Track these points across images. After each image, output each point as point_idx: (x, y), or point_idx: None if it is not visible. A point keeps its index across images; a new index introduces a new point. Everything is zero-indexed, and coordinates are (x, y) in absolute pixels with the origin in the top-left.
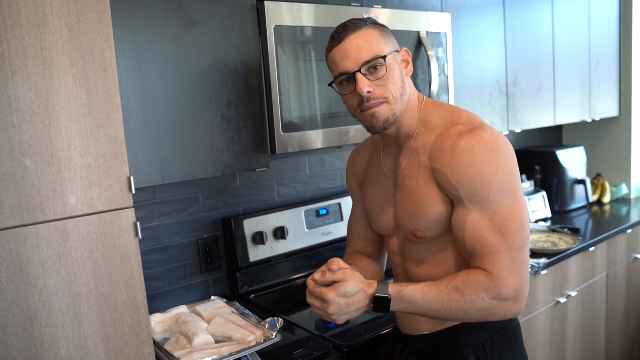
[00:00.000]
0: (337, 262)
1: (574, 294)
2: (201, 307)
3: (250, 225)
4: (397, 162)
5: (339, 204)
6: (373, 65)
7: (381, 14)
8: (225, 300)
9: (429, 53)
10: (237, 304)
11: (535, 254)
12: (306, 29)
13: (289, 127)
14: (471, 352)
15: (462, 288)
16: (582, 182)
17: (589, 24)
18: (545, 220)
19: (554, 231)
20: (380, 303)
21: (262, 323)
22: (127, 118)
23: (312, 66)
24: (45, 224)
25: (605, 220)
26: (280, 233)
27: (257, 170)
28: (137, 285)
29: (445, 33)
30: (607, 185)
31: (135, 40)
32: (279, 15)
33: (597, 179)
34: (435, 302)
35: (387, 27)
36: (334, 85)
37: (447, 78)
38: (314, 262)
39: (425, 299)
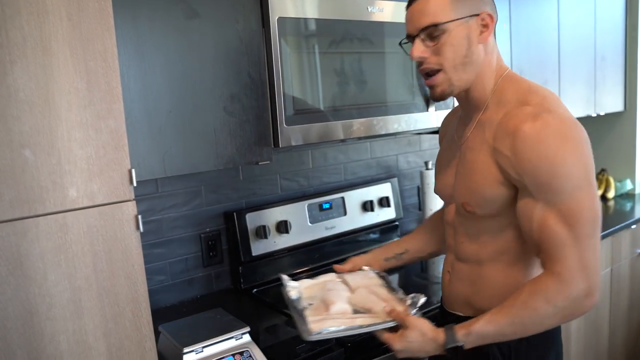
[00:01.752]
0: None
1: None
2: (349, 277)
3: (253, 219)
4: (466, 130)
5: (342, 198)
6: (432, 32)
7: (385, 6)
8: (376, 272)
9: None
10: (387, 276)
11: None
12: (310, 21)
13: (293, 120)
14: (495, 345)
15: (531, 302)
16: None
17: (594, 18)
18: None
19: None
20: (454, 350)
21: (405, 299)
22: (128, 109)
23: (316, 58)
24: (45, 216)
25: (609, 216)
26: (283, 227)
27: (260, 163)
28: (139, 279)
29: None
30: (611, 180)
31: (137, 30)
32: (282, 7)
33: (601, 174)
34: (508, 327)
35: None
36: (403, 43)
37: None
38: (316, 257)
39: (497, 330)
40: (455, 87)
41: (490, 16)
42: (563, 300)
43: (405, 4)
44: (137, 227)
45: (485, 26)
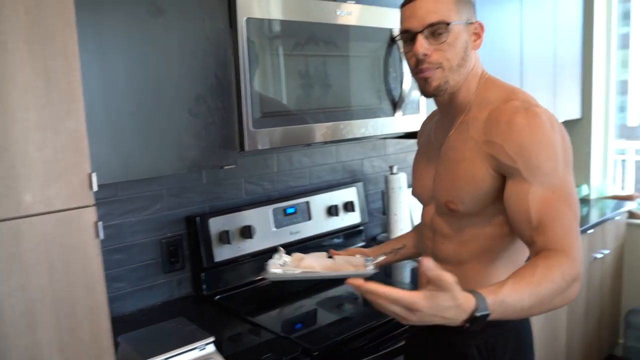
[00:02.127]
0: (428, 262)
1: None
2: (337, 257)
3: (216, 224)
4: (446, 132)
5: (307, 203)
6: (437, 29)
7: (354, 9)
8: (366, 258)
9: (402, 51)
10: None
11: None
12: (279, 22)
13: (260, 123)
14: (473, 343)
15: (550, 274)
16: None
17: (554, 28)
18: None
19: None
20: (477, 320)
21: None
22: (88, 110)
23: (285, 61)
24: None
25: None
26: (247, 232)
27: (225, 167)
28: (98, 289)
29: None
30: None
31: (98, 26)
32: (250, 7)
33: None
34: (529, 298)
35: None
36: (397, 38)
37: None
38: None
39: (521, 300)
40: (449, 87)
41: (481, 26)
42: (572, 279)
43: (374, 7)
44: (97, 235)
45: (477, 34)
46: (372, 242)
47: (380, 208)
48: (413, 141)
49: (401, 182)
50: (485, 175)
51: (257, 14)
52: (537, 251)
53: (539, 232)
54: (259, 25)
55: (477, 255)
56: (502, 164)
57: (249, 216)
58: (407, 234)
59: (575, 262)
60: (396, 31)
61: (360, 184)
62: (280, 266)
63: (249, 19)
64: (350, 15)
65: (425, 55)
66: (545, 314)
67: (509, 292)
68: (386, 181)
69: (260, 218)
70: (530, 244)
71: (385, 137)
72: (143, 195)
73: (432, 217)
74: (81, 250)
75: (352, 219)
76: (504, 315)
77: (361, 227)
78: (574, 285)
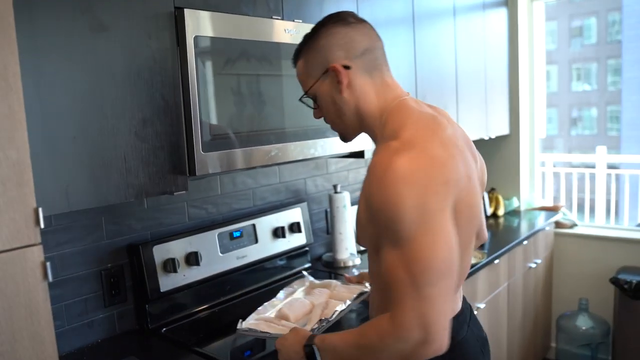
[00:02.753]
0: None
1: (482, 305)
2: (339, 288)
3: (160, 252)
4: None
5: (253, 225)
6: (308, 97)
7: (301, 28)
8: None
9: None
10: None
11: None
12: (228, 41)
13: (210, 146)
14: None
15: (368, 332)
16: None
17: (484, 45)
18: None
19: None
20: (310, 354)
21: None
22: None
23: (234, 81)
24: None
25: (502, 232)
26: (193, 259)
27: (175, 193)
28: (46, 339)
29: None
30: (500, 198)
31: (35, 42)
32: (198, 25)
33: (492, 193)
34: (350, 348)
35: (316, 44)
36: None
37: None
38: (228, 288)
39: (343, 347)
40: (348, 134)
41: (336, 68)
42: (394, 342)
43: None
44: (45, 276)
45: (339, 80)
46: (317, 261)
47: (324, 227)
48: (354, 160)
49: (345, 201)
50: (365, 217)
51: (206, 32)
52: None
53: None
54: (209, 44)
55: (381, 291)
56: (370, 215)
57: (194, 242)
58: None
59: (401, 328)
60: None
61: (304, 204)
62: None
63: (197, 37)
64: (299, 34)
65: (318, 118)
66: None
67: (334, 338)
68: (330, 200)
69: (206, 243)
70: None
71: (334, 157)
72: (80, 224)
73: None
74: (26, 295)
75: (298, 240)
76: (334, 356)
77: (307, 248)
78: (413, 347)
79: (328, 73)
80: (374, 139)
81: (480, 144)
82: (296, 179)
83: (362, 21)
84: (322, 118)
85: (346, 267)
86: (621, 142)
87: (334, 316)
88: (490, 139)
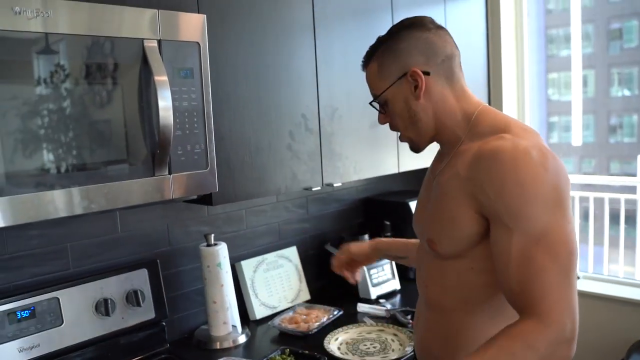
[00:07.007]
0: None
1: None
2: None
3: None
4: (441, 165)
5: (57, 300)
6: (378, 102)
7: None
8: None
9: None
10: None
11: None
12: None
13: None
14: None
15: (509, 346)
16: None
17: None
18: (389, 295)
19: (393, 321)
20: None
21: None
22: None
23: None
24: None
25: None
26: None
27: None
28: None
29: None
30: None
31: None
32: None
33: None
34: None
35: (394, 47)
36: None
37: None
38: None
39: None
40: (419, 142)
41: (417, 73)
42: (547, 346)
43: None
44: None
45: (417, 84)
46: (187, 339)
47: (201, 289)
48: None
49: (220, 257)
50: (466, 216)
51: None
52: (519, 314)
53: (518, 293)
54: None
55: (460, 304)
56: (484, 205)
57: None
58: (413, 242)
59: (553, 326)
60: None
61: (156, 262)
62: None
63: None
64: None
65: (385, 123)
66: None
67: None
68: (201, 256)
69: None
70: (512, 305)
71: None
72: None
73: (422, 255)
74: None
75: (140, 315)
76: None
77: (162, 324)
78: (560, 349)
79: (404, 77)
80: (453, 141)
81: None
82: (154, 224)
83: (441, 27)
84: (388, 124)
85: (224, 350)
86: None
87: None
88: None
